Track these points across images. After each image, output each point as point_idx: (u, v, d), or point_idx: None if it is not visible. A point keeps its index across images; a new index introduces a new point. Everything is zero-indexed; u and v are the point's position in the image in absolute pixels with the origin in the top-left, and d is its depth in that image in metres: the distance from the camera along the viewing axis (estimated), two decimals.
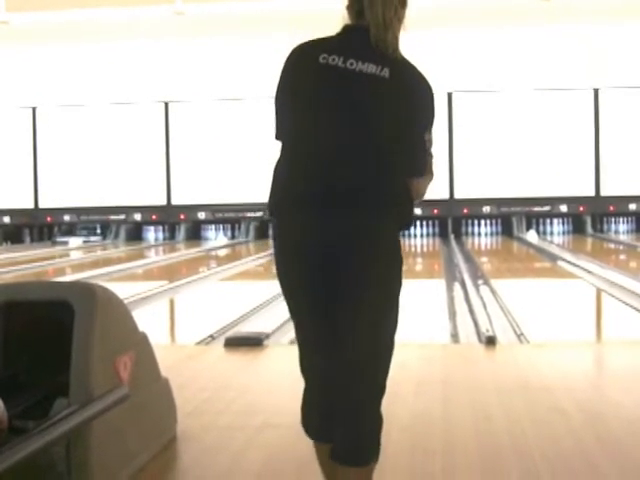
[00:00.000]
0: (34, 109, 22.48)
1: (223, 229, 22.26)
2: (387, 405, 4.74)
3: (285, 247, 2.77)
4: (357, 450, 2.74)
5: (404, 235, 20.40)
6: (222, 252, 19.67)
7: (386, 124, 2.69)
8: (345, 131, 2.69)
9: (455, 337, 7.32)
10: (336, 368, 2.79)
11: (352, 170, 2.67)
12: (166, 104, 22.03)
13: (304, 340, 2.89)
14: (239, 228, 22.11)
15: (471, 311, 8.42)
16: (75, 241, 21.62)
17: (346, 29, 2.80)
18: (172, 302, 10.66)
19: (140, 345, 3.67)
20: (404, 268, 2.76)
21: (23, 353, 3.40)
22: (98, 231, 22.71)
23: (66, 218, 22.08)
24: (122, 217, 21.98)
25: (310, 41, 2.85)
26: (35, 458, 2.55)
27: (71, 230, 22.57)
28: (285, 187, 2.80)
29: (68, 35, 21.07)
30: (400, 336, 7.07)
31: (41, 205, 22.34)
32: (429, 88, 2.76)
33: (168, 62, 21.93)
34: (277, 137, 2.90)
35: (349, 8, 2.79)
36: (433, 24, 20.49)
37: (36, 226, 22.70)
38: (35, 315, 3.41)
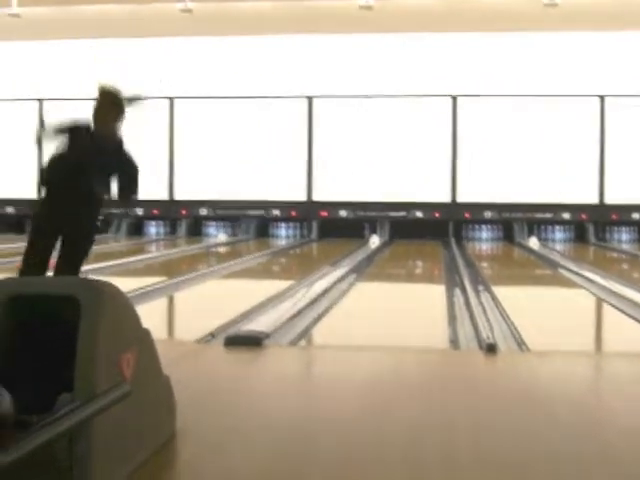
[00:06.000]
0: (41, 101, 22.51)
1: (224, 226, 22.25)
2: (384, 410, 4.76)
3: None
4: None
5: (405, 238, 20.40)
6: (223, 249, 19.67)
7: None
8: None
9: (455, 343, 7.30)
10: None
11: None
12: (171, 100, 22.03)
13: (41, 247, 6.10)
14: (240, 226, 22.10)
15: (471, 317, 8.39)
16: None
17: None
18: (172, 298, 10.65)
19: (143, 342, 3.67)
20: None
21: (28, 347, 3.40)
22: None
23: None
24: (124, 211, 21.97)
25: None
26: (38, 453, 2.55)
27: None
28: None
29: (75, 30, 21.10)
30: (398, 340, 7.10)
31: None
32: None
33: (174, 59, 21.94)
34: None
35: None
36: (437, 28, 20.51)
37: None
38: (40, 309, 3.41)
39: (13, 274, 13.18)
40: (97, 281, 3.44)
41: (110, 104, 6.05)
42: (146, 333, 3.72)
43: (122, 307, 3.50)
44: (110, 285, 3.44)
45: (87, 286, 3.36)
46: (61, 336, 3.32)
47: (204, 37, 21.56)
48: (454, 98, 21.12)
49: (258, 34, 21.31)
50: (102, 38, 21.76)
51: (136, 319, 3.63)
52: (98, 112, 6.05)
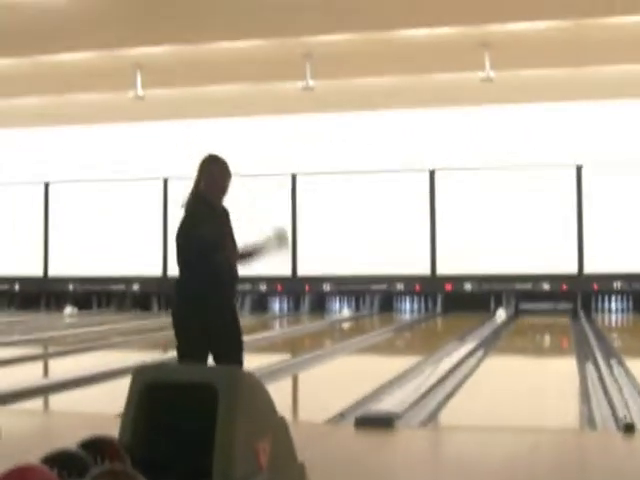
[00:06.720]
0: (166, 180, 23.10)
1: (348, 301, 22.25)
2: None
3: None
4: None
5: (532, 310, 20.12)
6: (347, 325, 19.65)
7: None
8: None
9: (591, 422, 7.07)
10: None
11: None
12: (293, 176, 22.31)
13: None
14: (364, 301, 22.07)
15: (606, 394, 8.14)
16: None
17: None
18: (298, 377, 10.64)
19: (279, 429, 3.65)
20: None
21: (165, 434, 3.41)
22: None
23: None
24: (248, 287, 22.16)
25: None
26: None
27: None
28: None
29: (197, 110, 21.64)
30: (532, 419, 6.91)
31: (170, 274, 22.73)
32: None
33: (295, 136, 22.26)
34: None
35: None
36: (560, 97, 20.34)
37: (164, 294, 23.08)
38: (178, 396, 3.42)
39: (142, 351, 13.41)
40: (234, 368, 3.45)
41: (229, 175, 5.72)
42: (281, 420, 3.71)
43: (258, 394, 3.49)
44: (246, 372, 3.45)
45: (224, 374, 3.37)
46: (198, 423, 3.33)
47: (324, 114, 21.85)
48: (579, 168, 20.84)
49: (378, 109, 21.50)
50: (223, 117, 22.27)
51: (272, 406, 3.62)
52: (221, 182, 5.68)
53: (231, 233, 5.80)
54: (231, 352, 5.47)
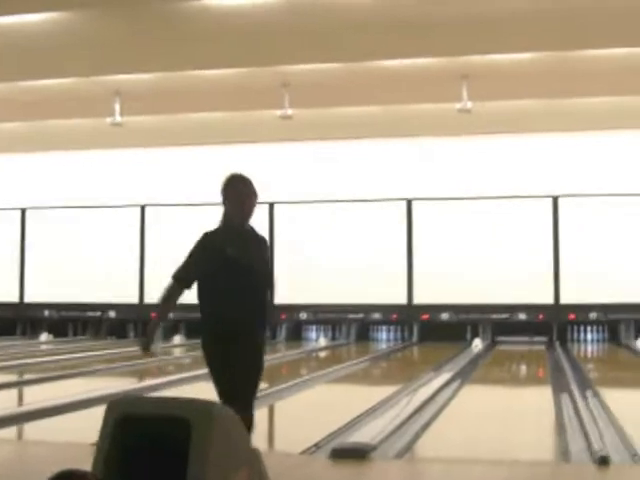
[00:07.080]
0: (143, 207, 23.04)
1: (324, 330, 22.18)
2: None
3: None
4: None
5: (508, 340, 20.20)
6: (323, 354, 19.60)
7: None
8: None
9: (565, 454, 7.05)
10: None
11: None
12: (271, 205, 22.28)
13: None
14: (340, 330, 22.03)
15: (581, 425, 8.14)
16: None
17: None
18: (273, 406, 10.58)
19: (253, 462, 3.64)
20: None
21: (138, 467, 3.39)
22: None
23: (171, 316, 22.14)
24: None
25: None
26: None
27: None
28: None
29: (176, 137, 21.65)
30: (509, 450, 6.91)
31: (146, 301, 22.63)
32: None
33: (273, 164, 22.25)
34: None
35: None
36: (534, 129, 20.47)
37: (140, 321, 22.97)
38: (151, 430, 3.40)
39: (117, 379, 13.33)
40: (207, 402, 3.43)
41: (255, 194, 5.58)
42: (256, 453, 3.70)
43: (232, 428, 3.48)
44: (220, 406, 3.44)
45: (197, 407, 3.36)
46: (171, 456, 3.31)
47: (303, 142, 21.91)
48: (555, 199, 20.96)
49: (356, 138, 21.57)
50: (202, 145, 22.27)
51: (246, 439, 3.61)
52: (251, 203, 5.56)
53: (247, 255, 5.59)
54: (247, 388, 5.39)
